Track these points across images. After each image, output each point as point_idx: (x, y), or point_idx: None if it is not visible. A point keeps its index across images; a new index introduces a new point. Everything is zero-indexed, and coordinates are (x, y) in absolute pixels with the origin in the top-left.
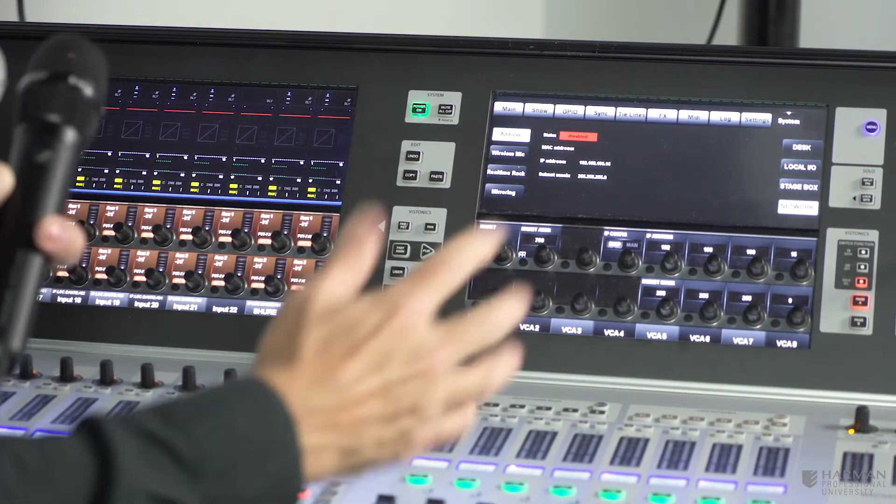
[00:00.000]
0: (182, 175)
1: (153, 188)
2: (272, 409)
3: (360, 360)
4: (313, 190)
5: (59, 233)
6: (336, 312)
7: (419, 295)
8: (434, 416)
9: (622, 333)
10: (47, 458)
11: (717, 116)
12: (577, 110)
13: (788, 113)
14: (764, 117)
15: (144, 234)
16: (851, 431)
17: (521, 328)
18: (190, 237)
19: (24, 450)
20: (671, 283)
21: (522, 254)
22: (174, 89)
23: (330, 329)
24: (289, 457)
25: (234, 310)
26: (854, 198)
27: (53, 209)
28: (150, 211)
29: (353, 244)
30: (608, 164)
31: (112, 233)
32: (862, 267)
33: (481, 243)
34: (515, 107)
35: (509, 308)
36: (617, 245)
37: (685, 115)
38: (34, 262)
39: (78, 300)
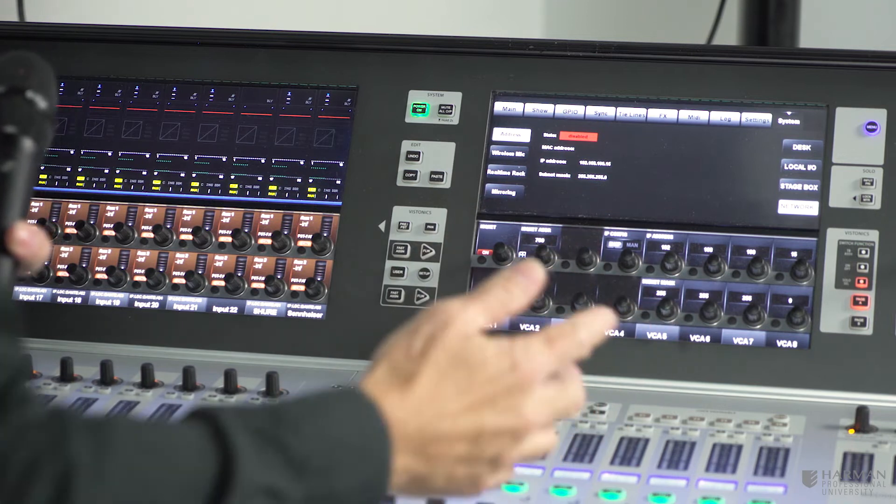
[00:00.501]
0: (182, 175)
1: (153, 188)
2: (374, 425)
3: (467, 400)
4: (313, 190)
5: (29, 238)
6: (466, 346)
7: (541, 358)
8: (509, 469)
9: (622, 333)
10: (168, 440)
11: (717, 116)
12: (577, 110)
13: (788, 113)
14: (764, 117)
15: (144, 234)
16: (851, 431)
17: (522, 328)
18: (190, 237)
19: (144, 429)
20: (671, 283)
21: (522, 254)
22: (174, 89)
23: (456, 362)
24: (380, 469)
25: (234, 310)
26: (854, 198)
27: (19, 216)
28: (150, 211)
29: (511, 285)
30: (608, 164)
31: (112, 233)
32: (862, 267)
33: (605, 320)
34: (515, 107)
35: (595, 331)
36: (617, 245)
37: (685, 115)
38: (4, 267)
39: (78, 300)
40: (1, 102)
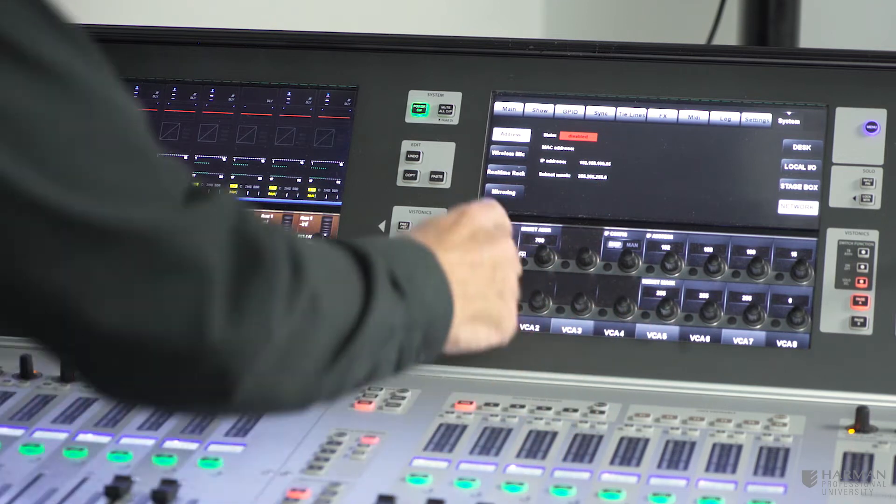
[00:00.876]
0: None
1: None
2: (418, 246)
3: (456, 233)
4: (313, 190)
5: None
6: (424, 220)
7: (482, 207)
8: (515, 289)
9: (622, 333)
10: (334, 254)
11: (717, 116)
12: (577, 110)
13: (788, 113)
14: (764, 117)
15: None
16: (851, 431)
17: (522, 328)
18: None
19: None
20: (671, 283)
21: (522, 254)
22: (174, 89)
23: (423, 225)
24: (440, 275)
25: None
26: (854, 198)
27: None
28: None
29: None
30: (608, 164)
31: None
32: (862, 267)
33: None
34: (515, 107)
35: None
36: (617, 245)
37: (685, 115)
38: None
39: None
40: None
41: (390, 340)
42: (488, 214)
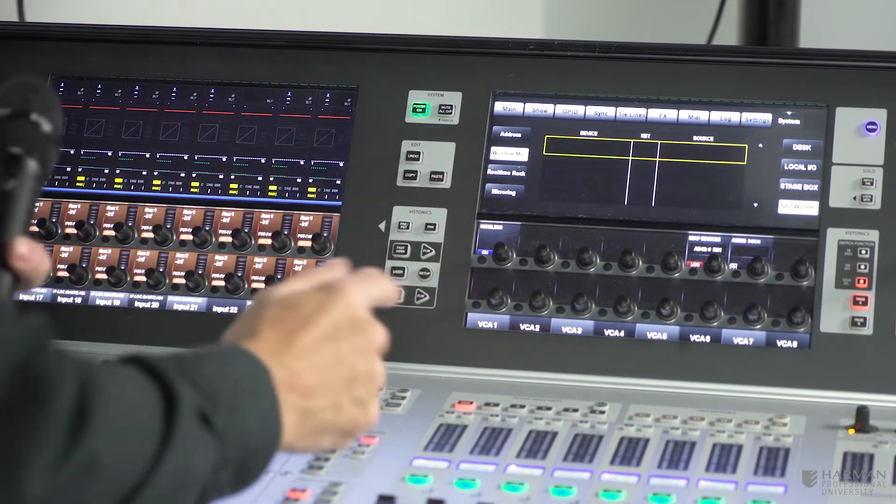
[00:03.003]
0: (182, 175)
1: (153, 188)
2: (253, 362)
3: (314, 330)
4: (313, 190)
5: (29, 253)
6: (287, 297)
7: (356, 284)
8: (380, 385)
9: (622, 333)
10: (137, 392)
11: (717, 116)
12: (577, 110)
13: (788, 113)
14: (764, 117)
15: (144, 234)
16: (851, 431)
17: (522, 328)
18: (190, 237)
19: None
20: (671, 283)
21: (523, 255)
22: (174, 89)
23: (281, 308)
24: (270, 399)
25: (234, 310)
26: (854, 198)
27: (19, 232)
28: (150, 211)
29: (326, 272)
30: (608, 164)
31: (112, 233)
32: (862, 267)
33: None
34: (515, 107)
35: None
36: (617, 245)
37: (685, 115)
38: (4, 282)
39: (78, 300)
40: (6, 124)
41: (189, 486)
42: (363, 293)
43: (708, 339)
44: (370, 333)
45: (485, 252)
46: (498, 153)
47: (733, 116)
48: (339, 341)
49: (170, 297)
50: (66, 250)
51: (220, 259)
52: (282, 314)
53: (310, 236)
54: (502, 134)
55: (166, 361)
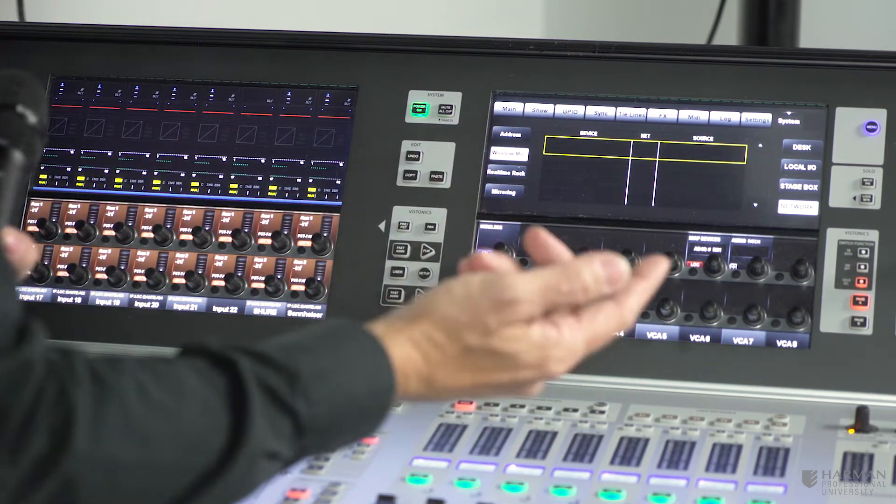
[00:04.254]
0: (182, 175)
1: (153, 188)
2: (384, 379)
3: (481, 382)
4: (313, 190)
5: (16, 243)
6: (509, 346)
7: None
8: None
9: (622, 333)
10: (178, 395)
11: (717, 116)
12: (577, 110)
13: (788, 113)
14: (764, 117)
15: (144, 234)
16: (851, 431)
17: None
18: (190, 237)
19: (153, 376)
20: (671, 283)
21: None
22: (174, 89)
23: (488, 352)
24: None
25: (234, 310)
26: (854, 198)
27: (6, 223)
28: (150, 211)
29: (590, 290)
30: (608, 164)
31: (112, 233)
32: (862, 267)
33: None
34: (515, 107)
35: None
36: (617, 245)
37: (685, 115)
38: None
39: (78, 300)
40: None
41: (274, 462)
42: (568, 364)
43: (708, 339)
44: (538, 386)
45: (485, 252)
46: (498, 153)
47: (733, 116)
48: (497, 389)
49: (170, 297)
50: (66, 250)
51: (220, 259)
52: (481, 354)
53: (310, 236)
54: (502, 134)
55: (265, 373)
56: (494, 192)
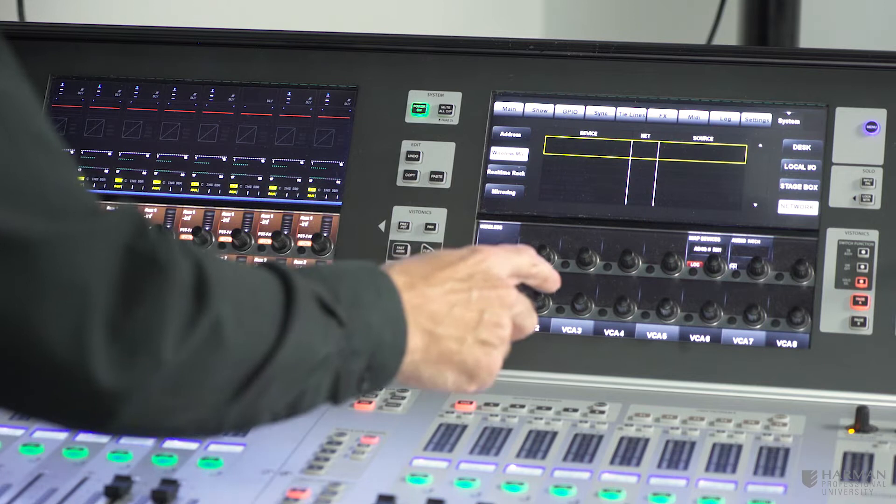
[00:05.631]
0: (182, 175)
1: (153, 188)
2: (379, 273)
3: (447, 271)
4: (313, 190)
5: None
6: (433, 251)
7: (500, 250)
8: (505, 340)
9: (622, 333)
10: (253, 278)
11: (717, 116)
12: (577, 110)
13: (788, 113)
14: (764, 117)
15: None
16: (851, 431)
17: None
18: (190, 237)
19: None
20: (671, 283)
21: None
22: (174, 89)
23: (424, 256)
24: (395, 302)
25: None
26: (854, 198)
27: None
28: (150, 211)
29: (542, 266)
30: (608, 163)
31: None
32: (862, 267)
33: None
34: (515, 107)
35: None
36: (617, 245)
37: (685, 115)
38: None
39: None
40: None
41: (319, 368)
42: (506, 260)
43: (708, 339)
44: (501, 291)
45: None
46: (498, 153)
47: (733, 116)
48: (470, 288)
49: None
50: None
51: None
52: (423, 258)
53: (310, 236)
54: (502, 134)
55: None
56: (494, 192)
